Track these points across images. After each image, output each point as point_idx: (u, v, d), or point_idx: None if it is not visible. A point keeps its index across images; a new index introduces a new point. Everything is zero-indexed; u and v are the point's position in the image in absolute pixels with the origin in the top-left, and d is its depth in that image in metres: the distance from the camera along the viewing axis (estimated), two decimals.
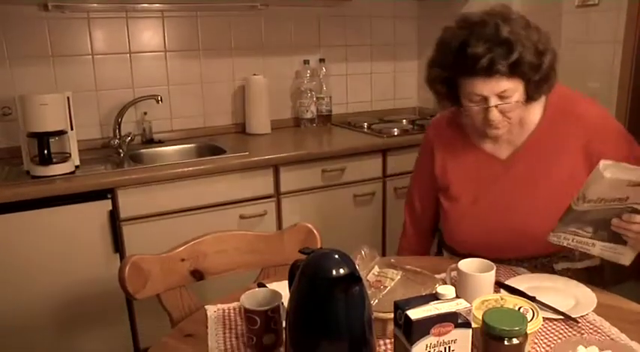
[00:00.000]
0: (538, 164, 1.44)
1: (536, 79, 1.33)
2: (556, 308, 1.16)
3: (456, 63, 1.33)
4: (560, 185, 1.40)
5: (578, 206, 1.14)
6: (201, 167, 2.15)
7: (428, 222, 1.69)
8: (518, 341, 0.88)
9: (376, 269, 1.19)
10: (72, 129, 2.13)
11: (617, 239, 1.22)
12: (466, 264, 1.21)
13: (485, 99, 1.33)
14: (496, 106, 1.33)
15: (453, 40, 1.34)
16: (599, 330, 1.12)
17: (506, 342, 0.88)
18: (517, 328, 0.87)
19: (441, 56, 1.38)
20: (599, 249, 1.24)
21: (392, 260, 1.22)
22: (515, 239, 1.43)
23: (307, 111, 2.88)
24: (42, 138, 2.00)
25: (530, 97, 1.37)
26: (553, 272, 1.43)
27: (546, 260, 1.48)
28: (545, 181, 1.42)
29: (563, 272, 1.43)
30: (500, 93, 1.32)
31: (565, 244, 1.24)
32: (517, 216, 1.43)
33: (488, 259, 1.21)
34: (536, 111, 1.46)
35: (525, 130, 1.46)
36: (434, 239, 1.73)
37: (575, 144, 1.42)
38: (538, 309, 1.05)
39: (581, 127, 1.42)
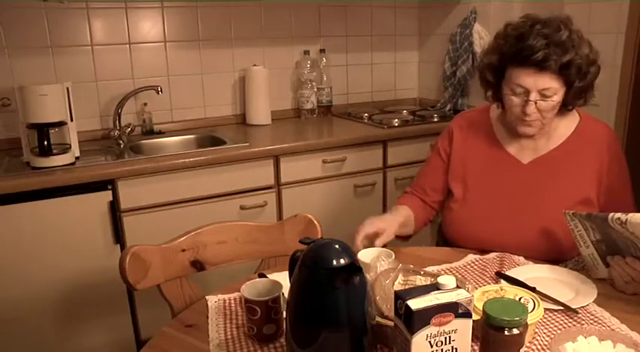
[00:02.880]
0: (556, 175, 1.48)
1: (579, 86, 1.39)
2: (556, 299, 1.17)
3: (512, 52, 1.38)
4: (571, 199, 1.44)
5: (613, 223, 1.15)
6: (202, 158, 2.15)
7: (430, 211, 1.68)
8: (518, 331, 0.88)
9: (401, 277, 1.14)
10: (72, 120, 2.12)
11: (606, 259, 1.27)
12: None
13: (527, 93, 1.38)
14: (535, 102, 1.38)
15: (513, 31, 1.40)
16: (600, 321, 1.12)
17: (506, 332, 0.88)
18: (517, 318, 0.87)
19: (499, 45, 1.44)
20: (588, 254, 1.28)
21: (411, 266, 1.19)
22: (518, 241, 1.45)
23: (308, 101, 2.88)
24: (42, 129, 2.00)
25: (566, 104, 1.43)
26: None
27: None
28: (558, 192, 1.47)
29: None
30: (543, 91, 1.37)
31: (570, 227, 1.27)
32: (526, 220, 1.46)
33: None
34: (567, 127, 1.51)
35: (552, 143, 1.51)
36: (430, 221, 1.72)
37: (593, 167, 1.47)
38: (539, 300, 1.05)
39: (603, 153, 1.48)
